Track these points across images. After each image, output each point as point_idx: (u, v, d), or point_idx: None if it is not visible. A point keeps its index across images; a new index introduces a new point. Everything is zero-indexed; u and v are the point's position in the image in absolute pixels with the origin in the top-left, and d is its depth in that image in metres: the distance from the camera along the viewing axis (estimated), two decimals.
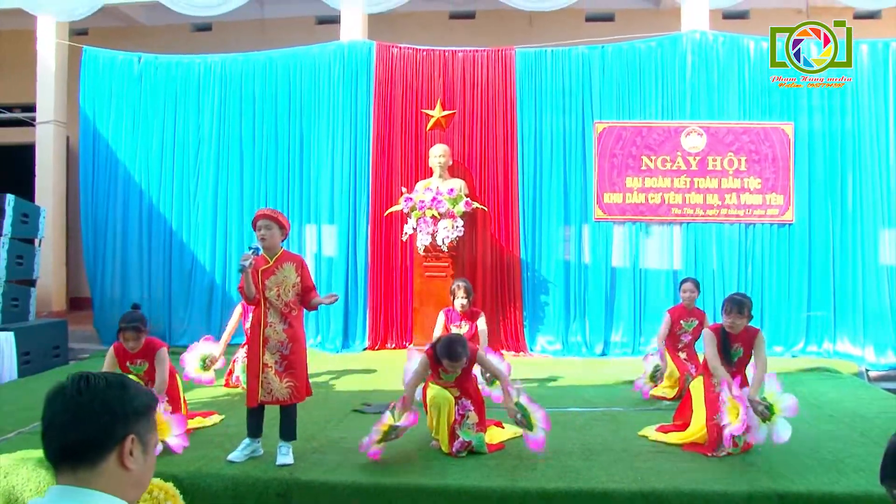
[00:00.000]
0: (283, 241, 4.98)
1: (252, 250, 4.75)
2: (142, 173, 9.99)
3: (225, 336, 7.15)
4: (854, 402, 6.46)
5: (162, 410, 4.90)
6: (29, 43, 10.62)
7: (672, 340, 6.92)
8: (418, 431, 5.40)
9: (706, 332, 5.29)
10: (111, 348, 5.45)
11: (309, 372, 7.61)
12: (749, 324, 5.17)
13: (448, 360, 4.93)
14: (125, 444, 1.60)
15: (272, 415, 4.91)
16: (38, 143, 10.50)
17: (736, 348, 5.13)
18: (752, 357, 5.18)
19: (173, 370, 5.66)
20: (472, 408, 5.05)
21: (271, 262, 4.84)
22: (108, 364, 5.33)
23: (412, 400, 4.96)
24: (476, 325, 6.84)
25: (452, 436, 4.90)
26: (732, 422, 4.70)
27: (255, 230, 4.90)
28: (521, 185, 9.40)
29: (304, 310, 5.06)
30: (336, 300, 5.07)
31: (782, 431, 4.72)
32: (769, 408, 4.76)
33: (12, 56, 12.03)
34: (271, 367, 4.79)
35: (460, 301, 6.82)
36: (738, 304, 5.07)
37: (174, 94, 10.00)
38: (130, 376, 5.06)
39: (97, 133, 10.06)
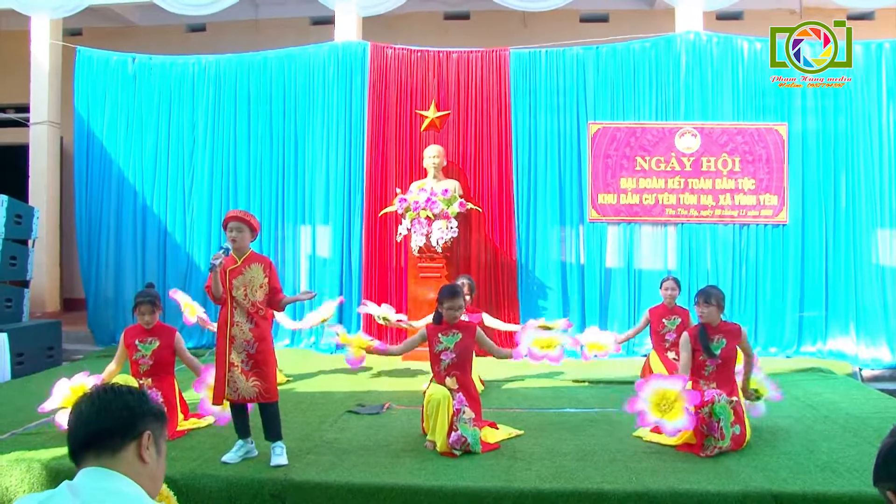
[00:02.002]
0: (252, 242, 5.02)
1: (223, 250, 4.80)
2: (136, 174, 9.98)
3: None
4: (848, 403, 6.48)
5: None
6: (23, 44, 10.59)
7: (658, 340, 6.98)
8: (413, 432, 5.41)
9: (683, 336, 5.40)
10: (122, 334, 5.66)
11: (304, 372, 7.71)
12: (727, 319, 5.40)
13: (449, 299, 5.20)
14: (142, 438, 1.83)
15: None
16: (31, 143, 10.46)
17: (717, 340, 5.20)
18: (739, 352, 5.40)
19: (172, 369, 5.70)
20: (466, 403, 5.07)
21: (239, 262, 4.86)
22: (119, 349, 5.61)
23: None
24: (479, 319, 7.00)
25: (450, 429, 4.91)
26: (661, 415, 4.82)
27: (225, 231, 4.93)
28: (515, 185, 9.40)
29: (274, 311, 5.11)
30: (313, 296, 5.19)
31: (761, 407, 5.56)
32: (756, 391, 5.50)
33: (6, 57, 11.98)
34: (237, 365, 4.79)
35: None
36: (705, 294, 5.27)
37: (168, 94, 9.99)
38: (137, 356, 5.23)
39: (91, 133, 10.04)
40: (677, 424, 4.73)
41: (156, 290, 5.95)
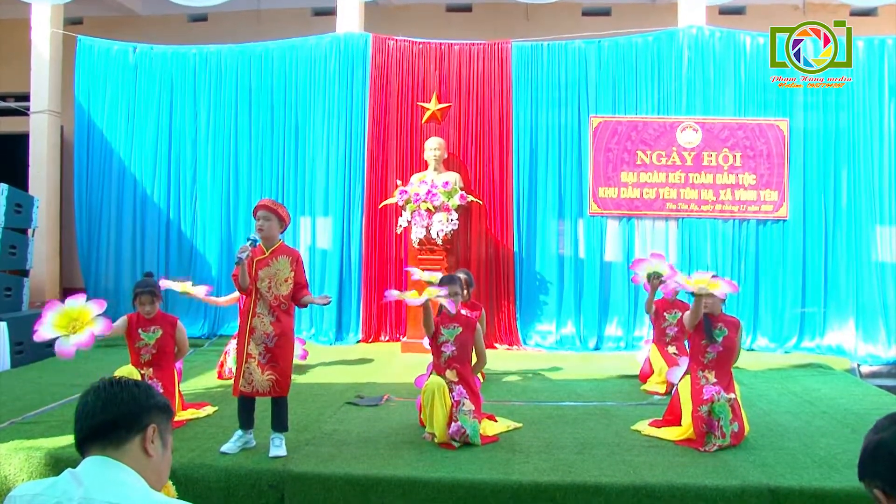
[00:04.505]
0: (281, 233, 4.98)
1: (250, 241, 4.75)
2: (136, 163, 9.97)
3: (213, 298, 7.29)
4: (846, 399, 6.49)
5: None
6: (23, 32, 10.55)
7: (659, 335, 6.97)
8: (412, 424, 5.42)
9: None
10: (125, 316, 5.57)
11: (303, 364, 7.69)
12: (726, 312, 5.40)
13: (449, 283, 5.32)
14: (147, 431, 1.84)
15: (265, 407, 4.90)
16: (32, 132, 10.43)
17: (720, 328, 5.20)
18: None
19: (173, 360, 5.68)
20: (467, 395, 5.07)
21: (267, 254, 4.84)
22: (118, 327, 5.42)
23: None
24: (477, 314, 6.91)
25: (450, 420, 4.92)
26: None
27: (255, 219, 4.90)
28: (515, 178, 9.40)
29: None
30: (328, 302, 5.11)
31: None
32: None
33: (7, 45, 11.95)
34: (255, 357, 4.78)
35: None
36: None
37: (169, 84, 9.97)
38: (140, 344, 5.22)
39: (92, 123, 10.02)
40: (723, 289, 4.97)
41: (154, 280, 5.92)
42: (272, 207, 4.90)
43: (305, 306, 5.05)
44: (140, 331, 5.45)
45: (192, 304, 9.75)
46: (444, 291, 5.14)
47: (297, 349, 6.86)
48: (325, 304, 5.04)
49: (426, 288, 5.23)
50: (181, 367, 6.16)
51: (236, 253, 4.71)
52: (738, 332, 5.31)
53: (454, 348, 5.22)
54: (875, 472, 1.72)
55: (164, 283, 6.59)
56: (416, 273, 7.26)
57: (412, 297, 5.19)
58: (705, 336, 5.17)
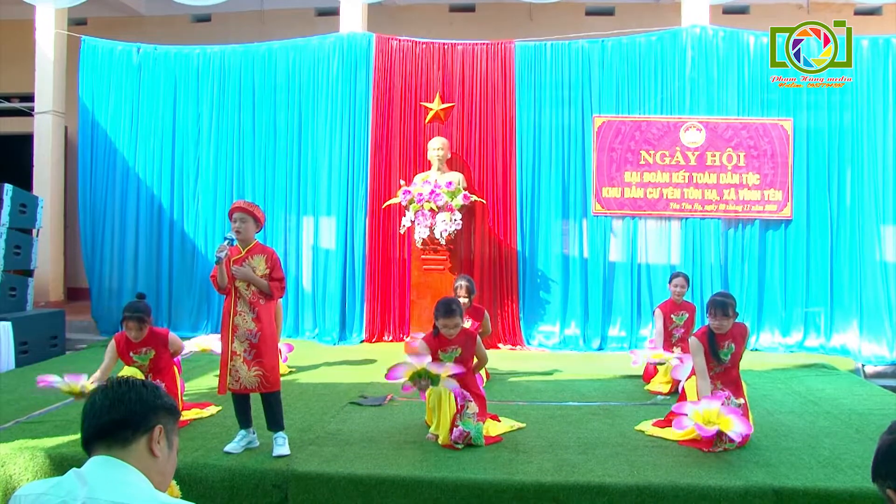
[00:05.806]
0: (257, 233, 5.03)
1: (227, 241, 4.84)
2: (140, 164, 9.99)
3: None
4: (850, 399, 6.47)
5: None
6: (28, 33, 10.59)
7: (665, 336, 6.95)
8: (415, 424, 5.42)
9: (693, 341, 5.27)
10: (112, 340, 5.46)
11: (307, 364, 7.71)
12: (736, 320, 5.26)
13: (444, 317, 5.13)
14: (154, 432, 1.85)
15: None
16: (36, 133, 10.48)
17: (727, 346, 5.16)
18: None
19: (172, 362, 5.65)
20: (470, 398, 5.06)
21: (243, 253, 4.90)
22: (109, 356, 5.40)
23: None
24: (479, 323, 6.84)
25: (453, 424, 4.90)
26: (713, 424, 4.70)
27: (230, 221, 4.95)
28: (519, 178, 9.40)
29: (279, 300, 5.08)
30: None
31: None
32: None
33: (11, 46, 12.00)
34: (240, 355, 4.81)
35: (461, 299, 6.79)
36: (723, 306, 5.13)
37: (173, 84, 9.98)
38: (133, 367, 5.11)
39: (96, 123, 10.04)
40: (737, 430, 4.67)
41: (145, 304, 5.64)
42: (248, 209, 4.95)
43: (273, 294, 4.95)
44: (132, 353, 5.38)
45: (195, 304, 9.79)
46: (452, 374, 4.96)
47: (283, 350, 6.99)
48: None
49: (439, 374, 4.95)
50: (179, 360, 6.12)
51: (215, 253, 4.77)
52: (745, 340, 5.27)
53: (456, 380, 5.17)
54: (888, 472, 1.73)
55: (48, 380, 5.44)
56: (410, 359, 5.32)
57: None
58: (712, 358, 5.13)
